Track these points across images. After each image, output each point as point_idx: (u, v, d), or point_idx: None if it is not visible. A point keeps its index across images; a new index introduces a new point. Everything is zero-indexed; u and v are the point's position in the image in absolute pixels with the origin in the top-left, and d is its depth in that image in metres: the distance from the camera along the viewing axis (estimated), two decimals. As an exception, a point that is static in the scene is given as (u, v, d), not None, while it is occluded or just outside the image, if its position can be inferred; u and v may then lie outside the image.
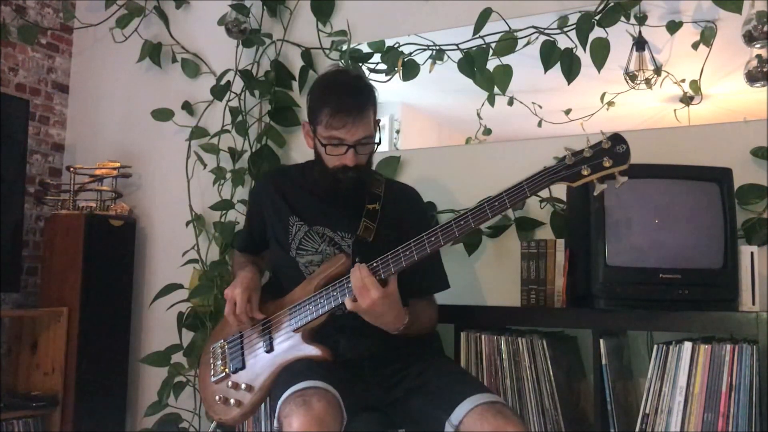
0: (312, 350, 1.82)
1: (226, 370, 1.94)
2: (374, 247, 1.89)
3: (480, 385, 1.84)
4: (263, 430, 2.23)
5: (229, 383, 1.92)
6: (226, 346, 1.98)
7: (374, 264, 1.75)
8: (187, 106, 3.03)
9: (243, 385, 1.89)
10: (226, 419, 1.92)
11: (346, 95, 1.84)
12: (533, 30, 2.41)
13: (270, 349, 1.88)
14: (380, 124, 1.94)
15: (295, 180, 2.05)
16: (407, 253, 1.73)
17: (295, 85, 2.85)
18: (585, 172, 1.63)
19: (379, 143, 1.91)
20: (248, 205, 2.23)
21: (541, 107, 2.50)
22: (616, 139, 1.64)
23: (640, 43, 2.37)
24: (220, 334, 2.03)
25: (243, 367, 1.92)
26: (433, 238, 1.72)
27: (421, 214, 2.08)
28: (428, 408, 1.74)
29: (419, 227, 1.96)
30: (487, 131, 2.59)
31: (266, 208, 2.04)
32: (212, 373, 1.97)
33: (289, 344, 1.86)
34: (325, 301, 1.82)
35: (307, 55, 2.82)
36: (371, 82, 1.96)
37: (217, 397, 1.92)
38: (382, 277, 1.74)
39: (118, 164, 3.10)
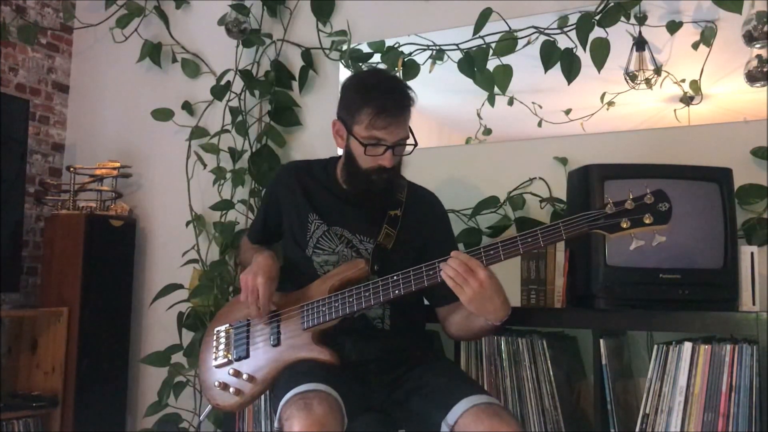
0: (319, 352, 1.81)
1: (229, 356, 1.93)
2: (393, 255, 1.89)
3: (477, 386, 1.83)
4: (263, 430, 2.23)
5: (231, 370, 1.90)
6: (232, 331, 1.96)
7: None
8: (187, 106, 3.03)
9: (245, 375, 1.88)
10: (223, 406, 1.92)
11: (390, 96, 1.83)
12: (533, 30, 2.41)
13: (277, 343, 1.87)
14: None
15: (317, 177, 2.02)
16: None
17: (295, 85, 2.85)
18: (624, 225, 1.62)
19: (416, 145, 1.89)
20: (265, 195, 2.19)
21: (541, 107, 2.50)
22: (660, 196, 1.62)
23: (640, 43, 2.37)
24: (226, 318, 2.00)
25: (247, 356, 1.90)
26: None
27: (443, 223, 2.05)
28: (426, 408, 1.74)
29: (441, 237, 1.96)
30: (487, 131, 2.58)
31: (285, 201, 2.02)
32: (214, 357, 1.96)
33: (297, 342, 1.85)
34: (341, 306, 1.81)
35: (307, 55, 2.82)
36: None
37: (216, 383, 1.91)
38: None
39: (118, 164, 3.10)
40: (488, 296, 1.66)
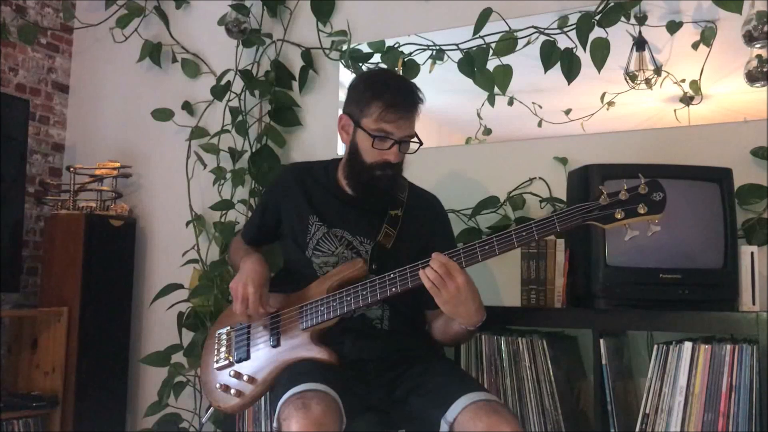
0: (318, 352, 1.82)
1: (230, 358, 1.93)
2: (392, 254, 1.89)
3: (476, 383, 1.83)
4: (263, 430, 2.23)
5: (231, 372, 1.91)
6: (233, 334, 1.97)
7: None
8: (187, 106, 3.03)
9: (245, 376, 1.89)
10: (225, 407, 1.93)
11: (401, 91, 1.87)
12: (533, 30, 2.42)
13: (276, 344, 1.88)
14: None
15: (318, 178, 2.03)
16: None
17: (295, 85, 2.85)
18: (618, 215, 1.62)
19: (421, 144, 1.91)
20: (264, 196, 2.18)
21: (541, 107, 2.50)
22: (654, 185, 1.63)
23: (640, 43, 2.37)
24: (228, 320, 2.01)
25: (247, 358, 1.91)
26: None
27: (443, 224, 2.06)
28: (425, 407, 1.74)
29: (441, 238, 1.96)
30: (487, 131, 2.58)
31: (286, 203, 2.02)
32: (215, 359, 1.97)
33: (296, 342, 1.85)
34: (338, 305, 1.81)
35: (307, 55, 2.82)
36: None
37: (217, 384, 1.92)
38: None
39: (118, 164, 3.10)
40: (463, 300, 1.69)
